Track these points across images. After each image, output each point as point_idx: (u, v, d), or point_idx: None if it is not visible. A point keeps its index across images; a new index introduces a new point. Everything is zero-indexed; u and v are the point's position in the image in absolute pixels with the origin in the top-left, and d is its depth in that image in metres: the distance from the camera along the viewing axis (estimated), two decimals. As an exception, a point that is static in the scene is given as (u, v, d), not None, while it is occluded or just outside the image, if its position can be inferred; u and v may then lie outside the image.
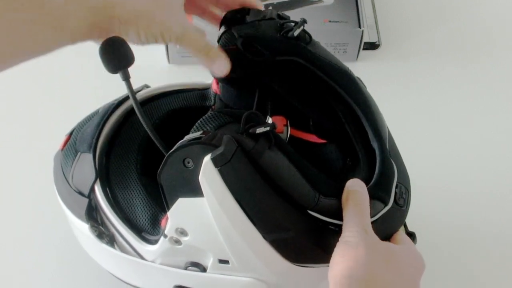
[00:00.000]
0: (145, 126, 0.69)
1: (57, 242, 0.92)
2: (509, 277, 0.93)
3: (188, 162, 0.60)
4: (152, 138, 0.69)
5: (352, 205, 0.62)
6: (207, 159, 0.58)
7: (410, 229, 0.75)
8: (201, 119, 0.63)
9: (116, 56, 0.69)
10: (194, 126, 0.63)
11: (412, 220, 0.73)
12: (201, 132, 0.61)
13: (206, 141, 0.59)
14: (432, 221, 0.95)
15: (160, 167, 0.62)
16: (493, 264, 0.94)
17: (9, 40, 0.55)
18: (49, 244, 0.93)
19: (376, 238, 0.61)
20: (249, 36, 0.70)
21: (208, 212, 0.61)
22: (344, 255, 0.58)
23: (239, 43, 0.69)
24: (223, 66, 0.68)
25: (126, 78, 0.69)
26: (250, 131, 0.59)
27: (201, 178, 0.59)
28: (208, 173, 0.58)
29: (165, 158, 0.61)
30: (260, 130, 0.60)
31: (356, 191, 0.63)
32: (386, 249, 0.61)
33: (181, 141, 0.61)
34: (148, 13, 0.62)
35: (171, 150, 0.60)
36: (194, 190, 0.60)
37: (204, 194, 0.60)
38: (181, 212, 0.64)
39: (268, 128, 0.60)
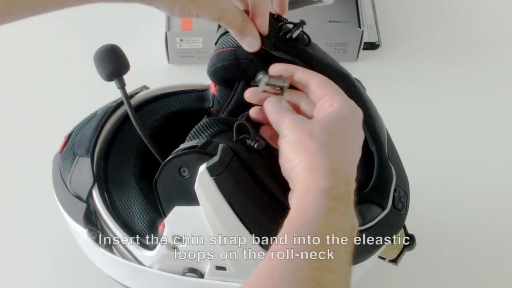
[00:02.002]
0: (140, 134, 0.69)
1: (57, 242, 0.92)
2: (509, 277, 0.93)
3: (184, 171, 0.60)
4: (148, 145, 0.69)
5: (274, 114, 0.62)
6: (202, 168, 0.57)
7: (410, 229, 0.75)
8: (196, 126, 0.63)
9: (111, 63, 0.69)
10: (190, 134, 0.62)
11: (411, 221, 0.73)
12: (196, 140, 0.61)
13: (201, 150, 0.59)
14: (431, 222, 0.95)
15: (156, 175, 0.62)
16: (493, 264, 0.95)
17: None
18: (49, 244, 0.93)
19: (307, 122, 0.60)
20: None
21: (204, 220, 0.61)
22: (298, 150, 0.58)
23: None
24: (253, 43, 0.67)
25: (122, 86, 0.69)
26: (247, 142, 0.59)
27: (197, 187, 0.58)
28: (203, 182, 0.58)
29: (160, 166, 0.61)
30: (255, 144, 0.59)
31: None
32: (325, 126, 0.60)
33: (176, 149, 0.60)
34: None
35: (167, 159, 0.60)
36: (190, 199, 0.60)
37: (200, 203, 0.60)
38: (177, 220, 0.64)
39: (259, 141, 0.59)
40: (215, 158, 0.57)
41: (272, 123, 0.63)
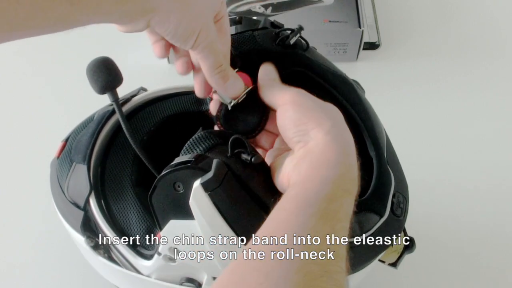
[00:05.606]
0: (134, 146, 0.69)
1: (56, 244, 0.93)
2: (509, 279, 0.94)
3: (179, 186, 0.59)
4: (142, 158, 0.69)
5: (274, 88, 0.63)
6: (197, 184, 0.57)
7: (409, 232, 0.74)
8: (191, 140, 0.62)
9: (104, 77, 0.68)
10: (184, 148, 0.62)
11: (411, 224, 0.73)
12: (190, 154, 0.60)
13: (195, 166, 0.58)
14: (431, 225, 0.95)
15: (150, 190, 0.61)
16: (494, 266, 0.95)
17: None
18: (49, 246, 0.93)
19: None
20: (246, 52, 0.69)
21: (200, 234, 0.61)
22: (314, 114, 0.58)
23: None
24: (236, 87, 0.65)
25: (115, 99, 0.69)
26: (242, 157, 0.59)
27: (192, 202, 0.58)
28: (198, 197, 0.57)
29: (155, 181, 0.60)
30: (252, 158, 0.59)
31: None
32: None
33: (170, 164, 0.60)
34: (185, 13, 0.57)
35: (161, 174, 0.60)
36: (185, 213, 0.60)
37: (195, 218, 0.59)
38: (173, 233, 0.64)
39: (256, 155, 0.59)
40: (209, 174, 0.57)
41: (267, 94, 0.63)
